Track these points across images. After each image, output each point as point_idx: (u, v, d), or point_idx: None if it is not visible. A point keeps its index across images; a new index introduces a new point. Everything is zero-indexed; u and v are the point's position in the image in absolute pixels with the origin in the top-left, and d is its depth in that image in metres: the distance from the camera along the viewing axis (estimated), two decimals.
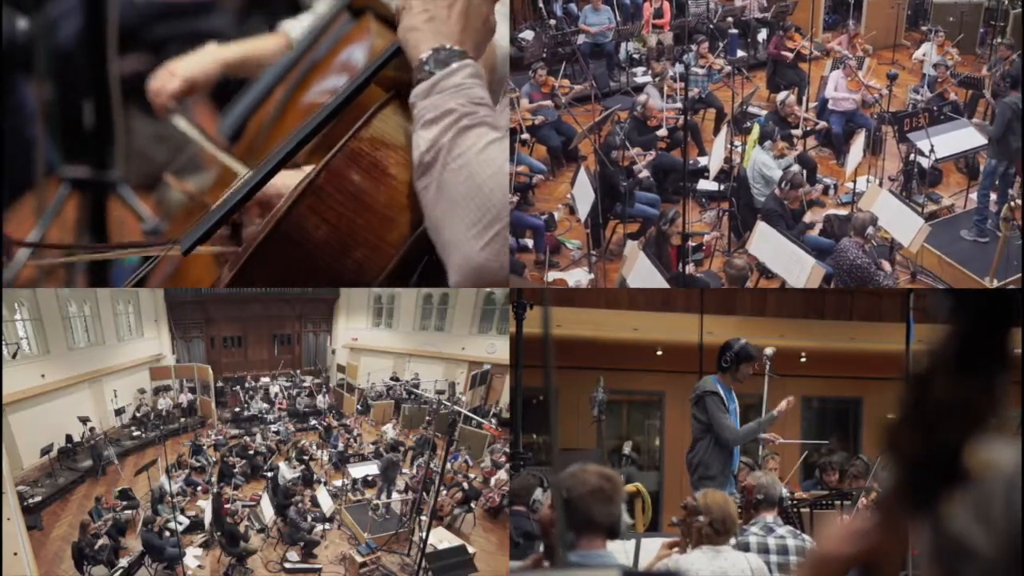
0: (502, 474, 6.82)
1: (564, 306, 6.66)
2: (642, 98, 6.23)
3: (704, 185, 6.06)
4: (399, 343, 11.37)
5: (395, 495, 6.87)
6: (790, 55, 6.96)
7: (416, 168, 2.44)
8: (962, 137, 6.08)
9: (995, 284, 5.20)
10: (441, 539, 5.89)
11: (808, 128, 6.44)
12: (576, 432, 6.83)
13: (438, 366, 10.84)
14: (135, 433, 9.00)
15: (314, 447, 8.66)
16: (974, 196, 5.86)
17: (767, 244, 5.14)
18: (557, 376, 1.93)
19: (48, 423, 7.68)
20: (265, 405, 10.60)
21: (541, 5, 6.53)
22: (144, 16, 5.89)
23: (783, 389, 6.66)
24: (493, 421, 8.49)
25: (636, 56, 7.16)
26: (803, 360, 7.60)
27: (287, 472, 7.24)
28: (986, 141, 5.90)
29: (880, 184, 5.88)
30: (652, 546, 3.78)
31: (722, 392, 4.87)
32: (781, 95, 6.43)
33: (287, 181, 2.76)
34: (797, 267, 4.99)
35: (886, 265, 5.23)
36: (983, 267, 5.31)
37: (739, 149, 6.06)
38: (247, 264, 2.52)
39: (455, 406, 9.02)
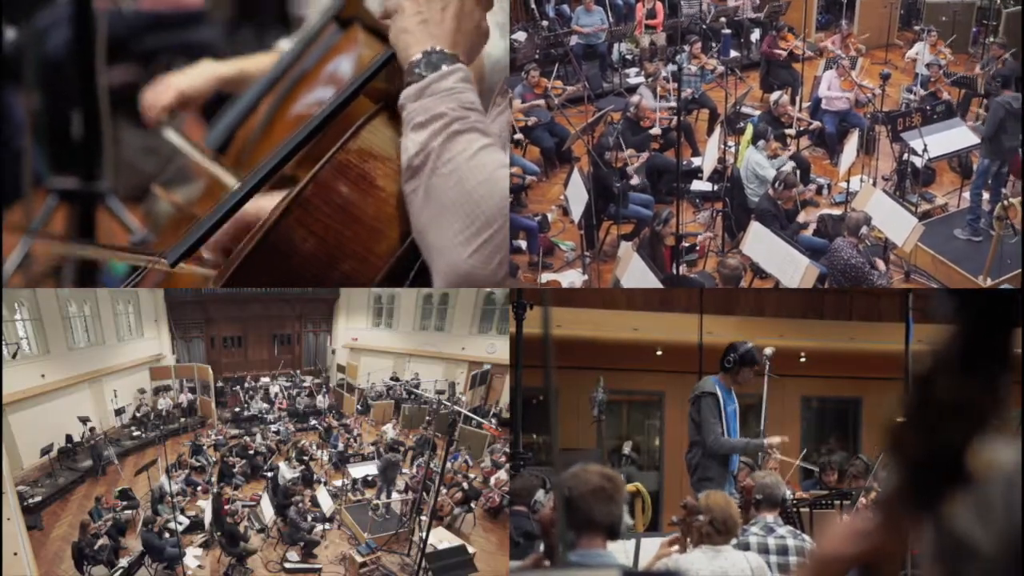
0: (502, 474, 6.82)
1: (564, 306, 6.66)
2: (635, 99, 6.22)
3: (698, 185, 6.05)
4: (399, 343, 11.37)
5: (395, 495, 6.87)
6: (783, 55, 6.96)
7: (404, 171, 2.42)
8: (955, 136, 6.09)
9: (989, 283, 5.20)
10: (441, 539, 5.89)
11: (801, 128, 6.44)
12: (576, 432, 6.83)
13: (438, 366, 10.84)
14: (135, 433, 8.99)
15: (314, 447, 8.66)
16: (967, 195, 5.87)
17: (761, 244, 5.14)
18: (557, 376, 1.93)
19: (48, 423, 7.68)
20: (265, 405, 10.60)
21: (533, 6, 6.51)
22: (133, 27, 5.90)
23: (783, 389, 6.68)
24: (493, 421, 8.49)
25: (629, 57, 7.15)
26: (803, 360, 7.61)
27: (287, 472, 7.24)
28: (979, 140, 5.91)
29: (874, 184, 5.88)
30: (652, 546, 3.78)
31: (721, 393, 4.87)
32: (774, 95, 6.43)
33: (266, 203, 2.75)
34: (791, 267, 4.99)
35: (880, 264, 5.23)
36: (977, 266, 5.32)
37: (732, 149, 6.06)
38: (234, 276, 2.52)
39: (455, 406, 9.02)
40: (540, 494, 4.24)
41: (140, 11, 5.98)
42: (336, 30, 4.02)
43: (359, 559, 5.75)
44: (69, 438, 7.79)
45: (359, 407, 10.63)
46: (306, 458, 8.01)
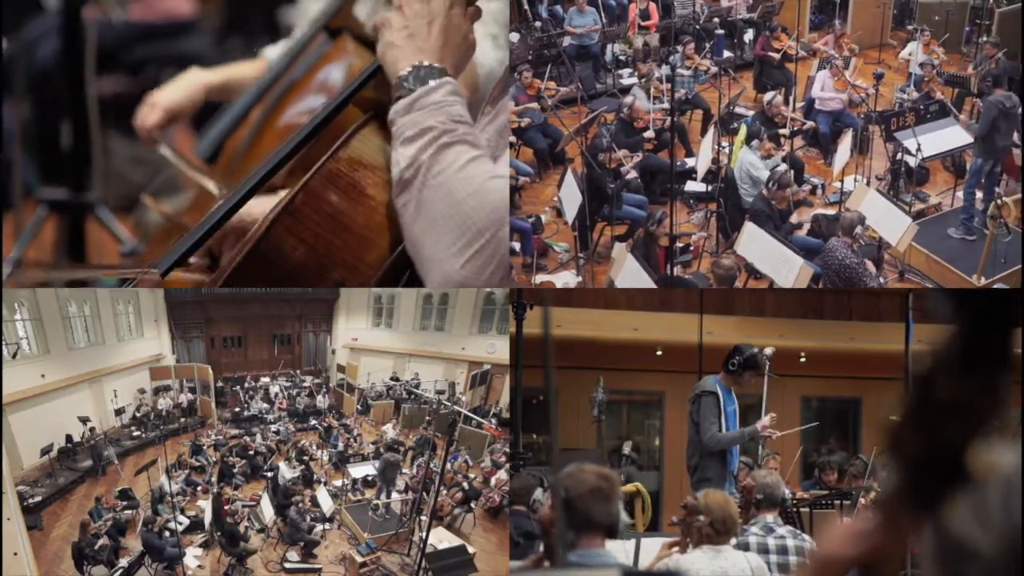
0: (502, 474, 6.82)
1: (564, 306, 6.66)
2: (628, 100, 6.22)
3: (691, 186, 6.06)
4: (399, 343, 11.37)
5: (395, 495, 6.87)
6: (776, 55, 6.97)
7: (396, 185, 2.43)
8: (948, 136, 6.09)
9: (983, 282, 5.21)
10: (441, 539, 5.89)
11: (795, 128, 6.44)
12: (576, 432, 6.83)
13: (438, 366, 10.85)
14: (135, 433, 9.00)
15: (314, 447, 8.66)
16: (961, 194, 5.88)
17: (755, 244, 5.14)
18: (557, 376, 1.93)
19: (48, 423, 7.68)
20: (265, 405, 10.60)
21: (526, 7, 6.51)
22: (122, 38, 5.89)
23: (783, 389, 6.67)
24: (493, 421, 8.49)
25: (622, 58, 7.15)
26: (802, 360, 7.61)
27: (287, 472, 7.24)
28: (972, 139, 5.93)
29: (867, 183, 5.89)
30: (652, 546, 3.78)
31: (721, 393, 4.87)
32: (768, 95, 6.43)
33: (262, 207, 2.76)
34: (785, 267, 4.99)
35: (870, 266, 5.23)
36: (971, 265, 5.33)
37: (726, 150, 6.06)
38: (225, 284, 2.53)
39: (455, 406, 9.02)
40: (538, 492, 4.25)
41: (130, 21, 5.97)
42: (325, 40, 4.02)
43: (359, 559, 5.75)
44: (69, 438, 7.80)
45: (359, 407, 10.63)
46: (306, 458, 8.01)
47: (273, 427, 9.47)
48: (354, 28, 3.86)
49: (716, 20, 7.36)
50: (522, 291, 5.22)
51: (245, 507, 6.62)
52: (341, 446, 8.57)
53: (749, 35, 7.39)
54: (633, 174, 5.74)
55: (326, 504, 6.70)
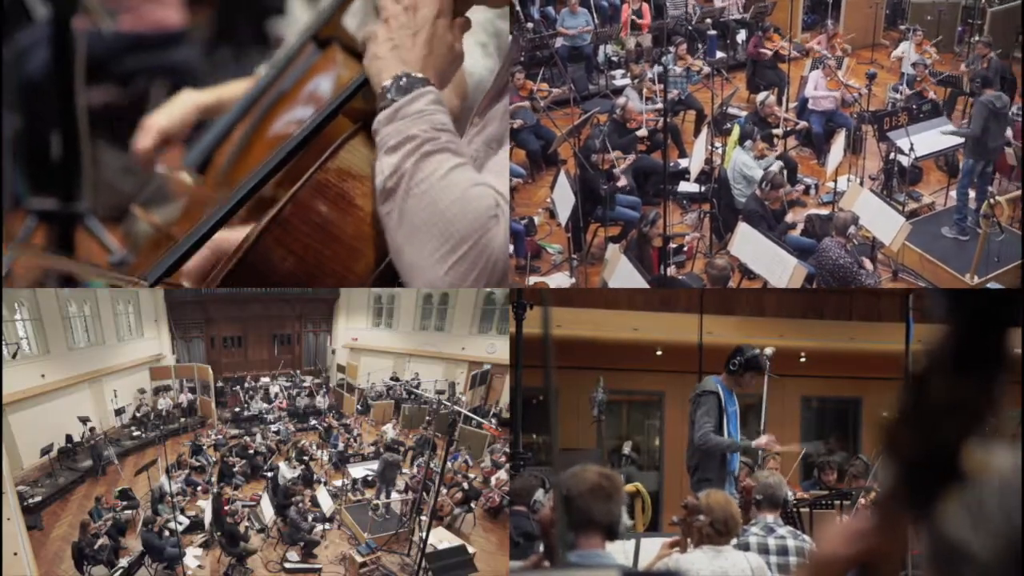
0: (502, 474, 6.82)
1: (564, 306, 6.66)
2: (621, 100, 6.23)
3: (685, 187, 6.07)
4: (399, 343, 11.38)
5: (395, 495, 6.87)
6: (769, 55, 6.98)
7: (379, 194, 2.44)
8: (941, 135, 6.11)
9: (976, 281, 5.22)
10: (441, 539, 5.89)
11: (788, 128, 6.45)
12: (576, 432, 6.83)
13: (438, 366, 10.85)
14: (135, 433, 9.00)
15: (314, 447, 8.66)
16: (954, 194, 5.89)
17: (748, 245, 5.15)
18: (557, 376, 1.93)
19: (48, 423, 7.69)
20: (265, 405, 10.60)
21: (518, 8, 6.51)
22: (112, 48, 5.89)
23: (783, 389, 6.68)
24: (493, 421, 8.49)
25: (615, 59, 7.16)
26: (803, 360, 7.61)
27: (287, 472, 7.24)
28: (963, 139, 5.94)
29: (861, 183, 5.90)
30: (652, 546, 3.79)
31: (722, 393, 4.87)
32: (761, 95, 6.44)
33: (238, 236, 2.75)
34: (779, 267, 5.00)
35: (868, 263, 5.24)
36: (964, 264, 5.35)
37: (719, 150, 6.08)
38: None
39: (455, 406, 9.02)
40: (539, 494, 4.24)
41: (119, 32, 5.96)
42: (314, 50, 4.02)
43: (359, 559, 5.75)
44: (69, 438, 7.80)
45: (359, 407, 10.64)
46: (306, 458, 8.01)
47: (273, 427, 9.47)
48: (343, 39, 3.87)
49: (709, 21, 7.38)
50: (522, 291, 5.22)
51: (245, 507, 6.62)
52: (341, 446, 8.57)
53: (742, 35, 7.40)
54: (624, 180, 5.75)
55: (326, 504, 6.70)
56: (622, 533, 2.74)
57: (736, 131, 6.05)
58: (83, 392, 8.77)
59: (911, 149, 5.84)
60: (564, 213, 5.42)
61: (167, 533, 5.79)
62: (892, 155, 5.98)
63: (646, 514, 5.20)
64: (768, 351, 5.13)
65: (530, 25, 6.87)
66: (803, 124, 6.50)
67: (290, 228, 2.50)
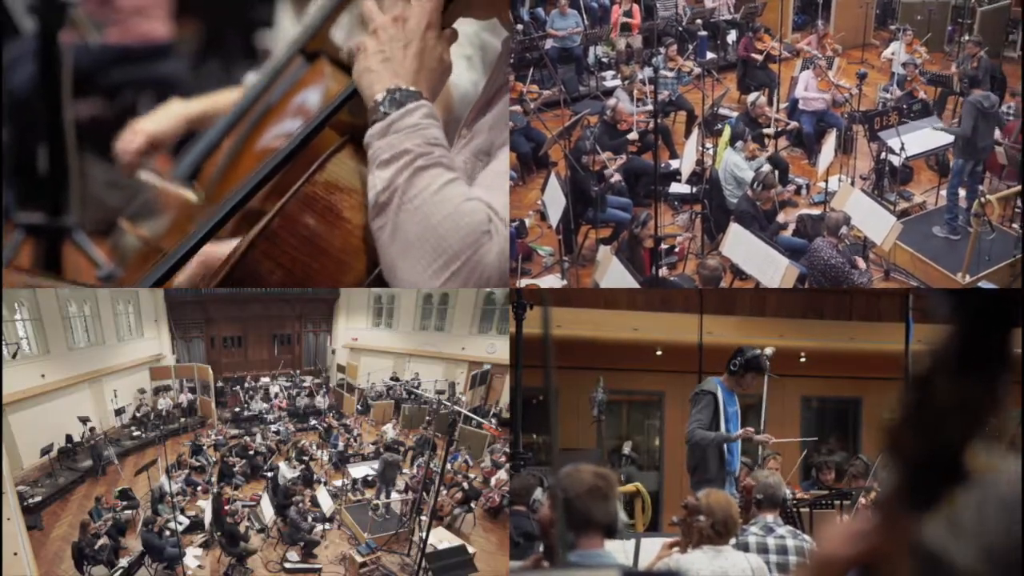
0: (502, 474, 6.82)
1: (564, 306, 6.67)
2: (612, 102, 6.22)
3: (676, 188, 6.07)
4: (399, 343, 11.38)
5: (395, 495, 6.87)
6: (760, 56, 6.98)
7: (372, 208, 2.44)
8: (931, 135, 6.12)
9: (967, 280, 5.23)
10: (441, 539, 5.89)
11: (779, 128, 6.45)
12: (576, 432, 6.83)
13: (438, 366, 10.85)
14: (135, 433, 9.00)
15: (314, 447, 8.66)
16: (945, 193, 5.90)
17: (740, 245, 5.15)
18: (557, 376, 1.93)
19: (48, 423, 7.69)
20: (265, 405, 10.60)
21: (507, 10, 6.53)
22: (99, 61, 5.88)
23: (783, 389, 6.68)
24: (493, 421, 8.50)
25: (605, 60, 7.16)
26: (803, 360, 7.61)
27: (287, 472, 7.24)
28: (953, 139, 5.95)
29: (852, 183, 5.91)
30: (652, 546, 3.78)
31: (722, 394, 4.87)
32: (751, 96, 6.44)
33: (228, 248, 2.76)
34: (771, 268, 5.00)
35: (860, 263, 5.24)
36: (955, 263, 5.35)
37: (710, 151, 6.08)
38: None
39: (455, 406, 9.02)
40: (538, 492, 4.25)
41: (106, 45, 5.95)
42: (302, 63, 4.02)
43: (359, 559, 5.75)
44: (69, 438, 7.80)
45: (359, 407, 10.64)
46: (306, 458, 8.01)
47: (273, 427, 9.48)
48: (331, 52, 3.88)
49: (699, 21, 7.38)
50: (522, 291, 5.22)
51: (245, 507, 6.62)
52: (341, 446, 8.57)
53: (732, 36, 7.40)
54: (617, 177, 5.75)
55: (326, 504, 6.70)
56: (621, 531, 2.73)
57: (727, 132, 6.06)
58: (83, 392, 8.78)
59: (902, 149, 5.85)
60: (555, 215, 5.42)
61: (167, 533, 5.79)
62: (883, 155, 5.99)
63: (646, 514, 5.20)
64: (768, 351, 5.14)
65: (520, 27, 6.87)
66: (794, 124, 6.50)
67: (278, 241, 2.50)
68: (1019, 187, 5.62)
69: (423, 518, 5.91)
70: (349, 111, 2.61)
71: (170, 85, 5.61)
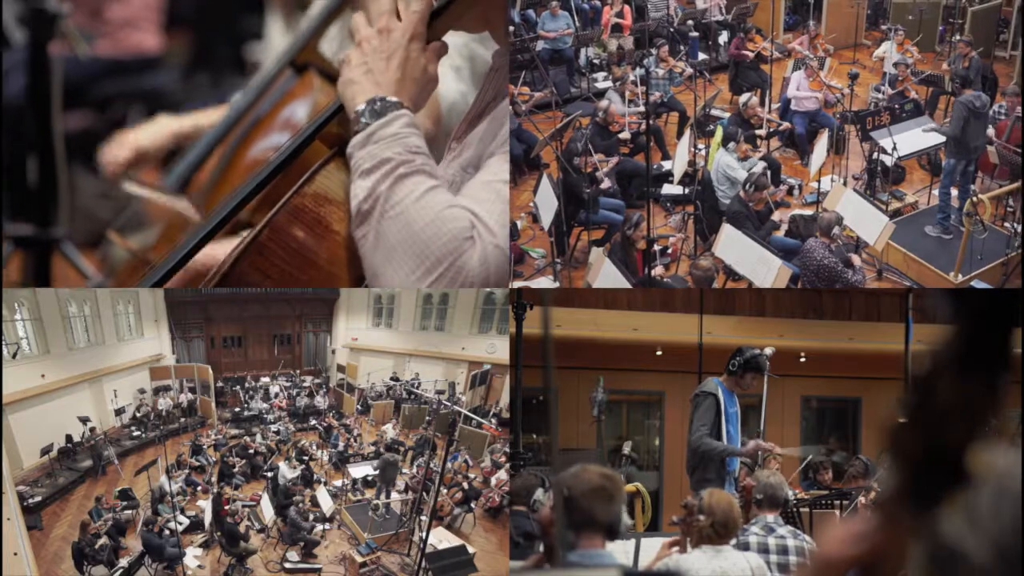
0: (502, 474, 6.83)
1: (564, 306, 6.66)
2: (604, 103, 6.23)
3: (668, 189, 6.08)
4: (399, 343, 11.38)
5: (395, 495, 6.87)
6: (751, 57, 6.98)
7: (354, 217, 2.45)
8: (923, 134, 6.13)
9: (960, 279, 5.24)
10: (441, 539, 5.89)
11: (771, 129, 6.46)
12: (576, 432, 6.84)
13: (438, 366, 10.86)
14: (135, 433, 9.01)
15: (314, 447, 8.67)
16: (937, 193, 5.91)
17: (733, 246, 5.16)
18: (557, 376, 1.94)
19: (48, 423, 7.69)
20: (265, 405, 10.60)
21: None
22: (89, 73, 5.87)
23: (783, 389, 6.68)
24: (493, 421, 8.50)
25: (596, 61, 7.16)
26: (802, 360, 7.61)
27: (287, 472, 7.24)
28: (944, 138, 5.96)
29: (844, 183, 5.91)
30: (652, 546, 3.78)
31: (722, 395, 4.87)
32: (743, 97, 6.44)
33: (224, 249, 2.76)
34: (763, 268, 5.01)
35: (856, 260, 5.25)
36: (948, 263, 5.36)
37: (703, 152, 6.08)
38: None
39: (455, 406, 9.03)
40: (539, 493, 4.24)
41: (97, 57, 5.95)
42: (291, 76, 4.03)
43: (359, 559, 5.75)
44: (69, 438, 7.80)
45: (359, 407, 10.64)
46: (306, 458, 8.01)
47: (273, 427, 9.48)
48: (320, 64, 3.88)
49: (691, 22, 7.39)
50: (522, 291, 5.23)
51: (245, 507, 6.62)
52: (341, 446, 8.58)
53: (724, 37, 7.42)
54: (608, 183, 5.75)
55: (326, 504, 6.70)
56: (623, 533, 2.73)
57: (719, 133, 6.07)
58: (83, 392, 8.78)
59: (894, 148, 5.87)
60: (547, 217, 5.42)
61: (167, 533, 5.80)
62: (875, 155, 6.00)
63: (646, 514, 5.20)
64: (768, 351, 5.14)
65: (511, 28, 6.88)
66: (786, 125, 6.51)
67: (267, 253, 2.50)
68: (1012, 185, 5.63)
69: (423, 518, 5.91)
70: (338, 123, 2.62)
71: (160, 97, 5.62)
